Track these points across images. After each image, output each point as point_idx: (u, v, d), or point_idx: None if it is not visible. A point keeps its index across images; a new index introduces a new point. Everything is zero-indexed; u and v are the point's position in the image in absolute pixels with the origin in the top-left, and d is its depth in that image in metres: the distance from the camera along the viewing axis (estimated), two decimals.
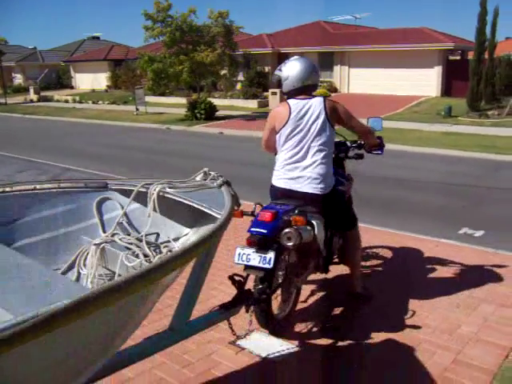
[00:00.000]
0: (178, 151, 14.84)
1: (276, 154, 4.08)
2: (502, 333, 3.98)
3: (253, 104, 28.08)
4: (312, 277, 4.46)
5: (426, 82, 28.07)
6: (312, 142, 3.82)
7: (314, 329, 4.08)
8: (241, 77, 32.10)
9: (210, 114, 23.12)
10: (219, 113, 24.02)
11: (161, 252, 2.97)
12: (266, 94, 29.07)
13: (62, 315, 1.54)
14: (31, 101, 38.77)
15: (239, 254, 3.51)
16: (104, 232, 3.14)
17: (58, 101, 37.75)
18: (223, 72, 25.05)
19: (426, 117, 21.62)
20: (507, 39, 44.80)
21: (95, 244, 2.96)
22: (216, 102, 25.49)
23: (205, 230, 2.66)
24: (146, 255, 2.87)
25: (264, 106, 27.49)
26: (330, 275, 4.73)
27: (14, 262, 2.28)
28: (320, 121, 3.80)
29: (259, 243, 3.43)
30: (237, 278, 3.42)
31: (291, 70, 3.92)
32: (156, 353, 2.88)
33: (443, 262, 5.54)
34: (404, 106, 25.08)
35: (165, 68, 22.65)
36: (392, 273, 5.25)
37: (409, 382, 3.43)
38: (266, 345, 3.82)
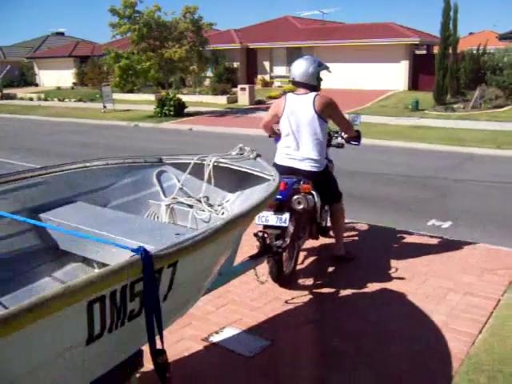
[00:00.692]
0: (147, 148, 14.68)
1: (270, 135, 5.10)
2: (468, 320, 4.08)
3: (222, 100, 27.99)
4: (305, 245, 5.22)
5: (393, 76, 28.47)
6: (304, 130, 4.56)
7: (309, 282, 4.79)
8: (209, 73, 31.96)
9: (179, 110, 22.94)
10: (188, 109, 23.86)
11: (216, 210, 3.68)
12: (235, 89, 29.01)
13: (212, 234, 2.25)
14: None
15: (259, 217, 4.23)
16: (165, 197, 3.84)
17: (22, 99, 36.83)
18: (192, 68, 24.87)
19: (394, 110, 21.93)
20: (471, 34, 45.79)
21: (166, 204, 3.71)
22: (185, 98, 25.30)
23: (254, 190, 3.60)
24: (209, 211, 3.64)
25: (233, 102, 27.44)
26: (316, 244, 5.64)
27: (120, 216, 3.11)
28: (309, 114, 4.50)
29: (276, 207, 4.26)
30: (260, 234, 4.21)
31: (293, 66, 4.73)
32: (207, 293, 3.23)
33: (412, 254, 5.63)
34: (372, 100, 25.38)
35: (132, 65, 22.36)
36: (361, 264, 5.32)
37: (383, 372, 3.49)
38: (238, 340, 3.83)
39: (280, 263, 4.47)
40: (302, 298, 4.56)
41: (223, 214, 3.61)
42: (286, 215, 4.26)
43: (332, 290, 4.71)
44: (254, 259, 4.10)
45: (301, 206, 4.34)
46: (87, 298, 1.73)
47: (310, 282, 4.91)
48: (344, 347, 3.75)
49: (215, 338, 3.85)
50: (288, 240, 4.39)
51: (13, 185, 3.12)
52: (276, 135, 5.03)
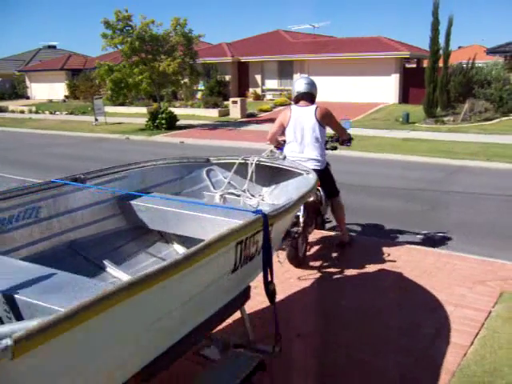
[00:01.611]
0: (137, 161, 14.65)
1: (275, 146, 5.52)
2: (459, 332, 4.08)
3: (214, 113, 28.07)
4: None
5: (384, 89, 28.71)
6: (307, 135, 5.37)
7: (299, 294, 4.85)
8: (201, 86, 32.06)
9: (171, 123, 22.96)
10: (180, 122, 23.89)
11: (261, 198, 4.58)
12: (226, 102, 29.12)
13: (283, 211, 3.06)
14: None
15: None
16: (214, 189, 4.69)
17: (13, 111, 36.73)
18: (184, 81, 24.94)
19: (385, 123, 22.08)
20: (460, 48, 46.39)
21: (220, 194, 4.58)
22: (177, 111, 25.35)
23: (288, 183, 4.52)
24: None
25: (225, 115, 27.52)
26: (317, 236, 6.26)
27: (191, 206, 3.73)
28: (311, 122, 5.36)
29: None
30: None
31: (295, 83, 5.63)
32: None
33: (403, 266, 5.64)
34: (363, 113, 25.55)
35: (124, 77, 22.39)
36: (352, 276, 5.31)
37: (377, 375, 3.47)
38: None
39: (296, 247, 5.25)
40: (292, 310, 4.54)
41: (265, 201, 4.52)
42: (301, 206, 4.67)
43: (322, 302, 4.70)
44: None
45: (312, 198, 5.07)
46: (236, 240, 2.56)
47: (300, 294, 4.90)
48: (335, 359, 3.73)
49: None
50: (301, 227, 5.04)
51: (104, 178, 4.05)
52: (280, 145, 5.69)
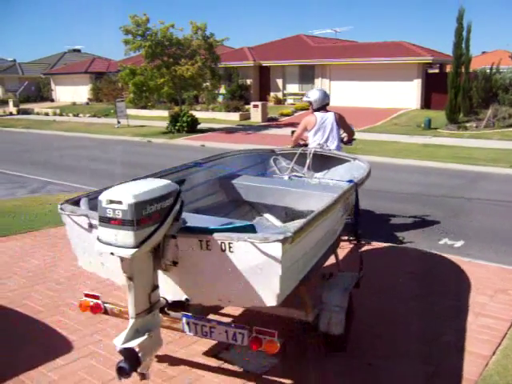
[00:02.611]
0: (158, 164, 14.73)
1: (294, 145, 6.67)
2: (481, 341, 4.03)
3: (235, 117, 28.17)
4: None
5: (405, 94, 28.48)
6: (329, 134, 6.55)
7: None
8: (223, 90, 32.22)
9: (192, 126, 23.11)
10: (201, 126, 24.03)
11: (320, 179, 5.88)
12: (247, 106, 29.21)
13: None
14: (10, 113, 38.33)
15: None
16: (280, 173, 6.23)
17: (38, 114, 37.42)
18: (205, 85, 25.09)
19: (406, 129, 21.91)
20: (484, 53, 45.80)
21: (288, 177, 5.98)
22: (198, 114, 25.51)
23: (337, 168, 6.00)
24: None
25: (246, 119, 27.59)
26: None
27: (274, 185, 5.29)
28: (333, 124, 6.59)
29: None
30: None
31: (314, 96, 6.64)
32: None
33: (424, 273, 5.60)
34: (384, 118, 25.40)
35: (146, 81, 22.62)
36: (374, 284, 5.28)
37: None
38: (247, 357, 3.81)
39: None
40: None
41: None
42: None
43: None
44: None
45: None
46: (344, 198, 4.07)
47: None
48: (354, 365, 3.71)
49: (225, 355, 3.84)
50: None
51: (210, 163, 5.40)
52: (299, 145, 6.74)
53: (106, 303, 3.67)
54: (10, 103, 40.15)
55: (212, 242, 2.91)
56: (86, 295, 3.67)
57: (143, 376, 2.98)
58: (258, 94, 33.95)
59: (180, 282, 3.18)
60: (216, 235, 2.89)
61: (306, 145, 6.61)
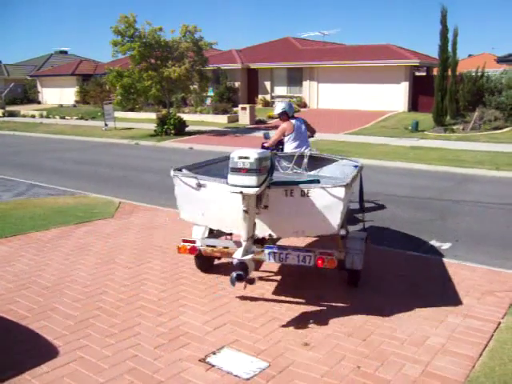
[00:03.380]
0: (146, 167, 14.73)
1: (270, 147, 7.63)
2: (468, 343, 4.04)
3: (223, 119, 28.14)
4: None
5: (393, 97, 28.66)
6: (304, 137, 7.71)
7: (309, 304, 4.12)
8: (211, 92, 32.18)
9: (180, 129, 23.05)
10: (189, 128, 23.97)
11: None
12: (235, 109, 29.19)
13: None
14: None
15: None
16: (283, 171, 6.87)
17: (24, 116, 37.09)
18: (193, 87, 25.04)
19: (394, 131, 22.03)
20: (470, 56, 46.21)
21: (288, 173, 6.71)
22: (186, 117, 25.45)
23: (329, 167, 6.74)
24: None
25: (234, 121, 27.58)
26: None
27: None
28: (304, 129, 7.79)
29: None
30: None
31: (287, 106, 7.76)
32: None
33: (411, 275, 5.61)
34: (372, 120, 25.51)
35: (133, 83, 22.51)
36: (359, 284, 5.28)
37: None
38: (236, 362, 3.79)
39: None
40: (300, 319, 4.53)
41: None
42: None
43: (330, 312, 4.69)
44: None
45: None
46: (358, 174, 5.71)
47: (308, 303, 4.88)
48: (341, 369, 3.71)
49: (212, 360, 3.82)
50: None
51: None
52: (274, 147, 7.80)
53: (201, 246, 5.03)
54: None
55: (295, 190, 4.39)
56: (184, 241, 5.09)
57: (252, 281, 4.43)
58: (246, 97, 33.96)
59: (267, 222, 4.52)
60: (299, 185, 4.42)
61: (282, 144, 7.81)
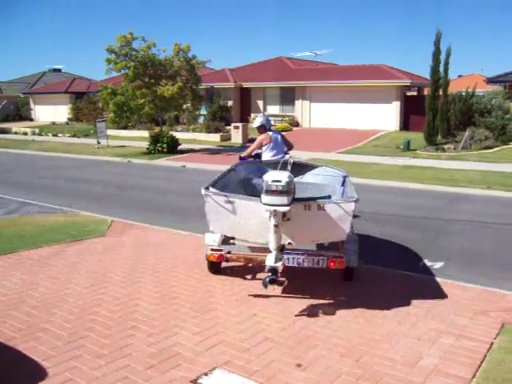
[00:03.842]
0: (139, 185, 14.70)
1: (246, 158, 8.18)
2: (462, 364, 4.02)
3: (215, 138, 28.22)
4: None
5: (384, 116, 28.94)
6: (280, 148, 8.04)
7: (301, 323, 4.03)
8: (204, 111, 32.30)
9: (173, 147, 23.07)
10: (182, 146, 23.99)
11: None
12: (228, 127, 29.30)
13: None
14: None
15: None
16: None
17: (16, 133, 37.00)
18: (186, 106, 25.13)
19: (386, 150, 22.17)
20: (460, 77, 46.86)
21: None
22: (179, 135, 25.49)
23: (308, 174, 7.59)
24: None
25: (226, 140, 27.66)
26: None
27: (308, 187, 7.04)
28: (280, 139, 8.11)
29: None
30: None
31: (264, 120, 8.20)
32: None
33: (403, 294, 5.60)
34: (364, 139, 25.68)
35: (127, 101, 22.58)
36: (352, 304, 5.26)
37: None
38: (228, 383, 3.74)
39: None
40: (292, 339, 4.49)
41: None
42: None
43: (322, 332, 4.66)
44: None
45: None
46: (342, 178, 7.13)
47: (302, 323, 4.85)
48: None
49: (204, 381, 3.77)
50: None
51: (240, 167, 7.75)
52: (251, 157, 8.17)
53: (228, 253, 5.83)
54: None
55: (313, 205, 5.08)
56: (213, 249, 5.84)
57: (282, 283, 5.15)
58: (239, 115, 34.13)
59: (288, 232, 5.13)
60: (316, 201, 5.16)
61: (258, 156, 8.21)
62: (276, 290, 5.71)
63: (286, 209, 4.77)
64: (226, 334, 4.56)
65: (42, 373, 3.86)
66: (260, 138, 8.05)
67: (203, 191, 5.40)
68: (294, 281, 5.99)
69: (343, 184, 6.80)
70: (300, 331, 4.66)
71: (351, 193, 5.79)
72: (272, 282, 4.93)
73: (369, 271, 6.49)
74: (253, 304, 5.30)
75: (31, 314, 4.98)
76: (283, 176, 4.86)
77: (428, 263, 7.10)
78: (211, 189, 5.63)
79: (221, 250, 5.80)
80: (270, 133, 8.12)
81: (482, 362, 4.05)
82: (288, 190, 4.78)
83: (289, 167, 7.04)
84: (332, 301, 5.42)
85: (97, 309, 5.14)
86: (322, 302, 5.41)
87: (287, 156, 7.78)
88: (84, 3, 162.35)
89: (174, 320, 4.87)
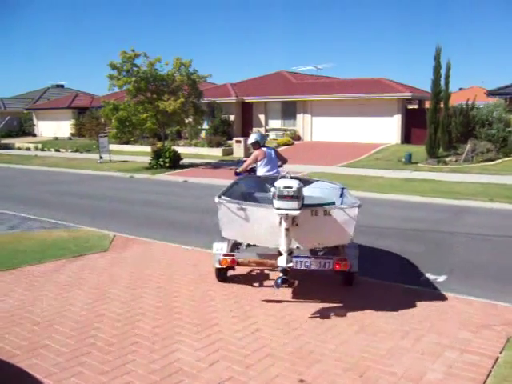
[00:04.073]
0: (141, 200, 14.72)
1: (242, 173, 8.50)
2: (467, 379, 3.99)
3: (217, 152, 28.31)
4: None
5: (386, 129, 29.01)
6: (274, 163, 8.43)
7: (304, 338, 4.00)
8: (206, 125, 32.44)
9: (175, 162, 23.14)
10: (184, 161, 24.08)
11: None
12: (230, 142, 29.40)
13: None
14: None
15: None
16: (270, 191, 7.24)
17: (19, 148, 37.20)
18: (188, 120, 25.26)
19: (387, 163, 22.20)
20: (461, 89, 47.03)
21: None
22: (181, 150, 25.59)
23: (310, 186, 7.86)
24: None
25: (228, 154, 27.74)
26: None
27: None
28: (274, 155, 8.52)
29: None
30: None
31: (258, 137, 8.61)
32: None
33: (406, 309, 5.57)
34: (366, 153, 25.72)
35: (129, 116, 22.71)
36: (354, 319, 5.24)
37: None
38: None
39: None
40: (295, 354, 4.46)
41: None
42: None
43: (325, 346, 4.63)
44: None
45: None
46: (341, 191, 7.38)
47: (305, 338, 4.82)
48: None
49: None
50: None
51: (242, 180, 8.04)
52: (246, 172, 8.51)
53: (240, 259, 6.05)
54: None
55: (319, 211, 5.43)
56: (225, 255, 6.11)
57: (293, 284, 5.39)
58: (241, 130, 34.25)
59: (296, 236, 5.41)
60: (322, 207, 5.50)
61: (253, 170, 8.56)
62: (278, 305, 5.69)
63: (297, 213, 5.15)
64: (228, 350, 4.53)
65: None
66: (255, 153, 8.50)
67: (217, 199, 5.72)
68: (297, 296, 5.97)
69: (341, 195, 7.04)
70: (303, 346, 4.63)
71: (352, 200, 6.10)
72: (284, 282, 5.23)
73: (371, 285, 6.46)
74: (255, 319, 5.27)
75: (33, 331, 4.96)
76: (294, 183, 5.30)
77: (431, 277, 7.07)
78: (223, 197, 5.91)
79: (233, 255, 6.10)
80: (264, 149, 8.53)
81: (487, 378, 4.02)
82: (298, 196, 5.18)
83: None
84: (335, 316, 5.39)
85: (99, 325, 5.12)
86: (325, 317, 5.38)
87: (284, 171, 8.03)
88: (86, 19, 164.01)
89: (177, 335, 4.84)
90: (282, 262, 5.29)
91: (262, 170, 8.43)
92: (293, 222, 5.29)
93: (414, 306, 5.67)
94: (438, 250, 8.63)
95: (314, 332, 4.95)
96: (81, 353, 4.47)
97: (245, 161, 8.81)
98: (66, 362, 4.28)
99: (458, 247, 8.83)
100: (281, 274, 5.28)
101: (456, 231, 10.01)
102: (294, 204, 5.14)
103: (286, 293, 6.07)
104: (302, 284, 5.88)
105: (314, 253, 6.59)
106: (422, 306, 5.68)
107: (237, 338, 4.80)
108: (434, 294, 6.16)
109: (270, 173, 8.33)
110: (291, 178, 7.11)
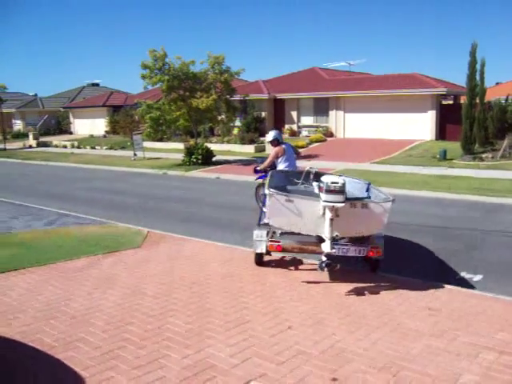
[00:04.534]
0: (174, 196, 14.87)
1: (263, 170, 9.21)
2: (505, 382, 3.89)
3: (250, 149, 28.36)
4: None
5: (420, 125, 28.49)
6: (292, 158, 9.09)
7: (335, 337, 3.99)
8: (238, 122, 32.54)
9: (207, 159, 23.30)
10: (216, 158, 24.21)
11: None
12: (262, 138, 29.41)
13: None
14: (30, 146, 39.12)
15: None
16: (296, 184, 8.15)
17: (56, 146, 38.10)
18: (220, 117, 25.38)
19: (421, 160, 21.83)
20: (498, 84, 45.80)
21: (304, 186, 8.00)
22: (213, 147, 25.74)
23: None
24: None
25: (261, 151, 27.75)
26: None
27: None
28: (292, 151, 9.22)
29: None
30: None
31: (277, 134, 9.25)
32: None
33: (441, 308, 5.47)
34: (399, 149, 25.35)
35: (163, 115, 22.99)
36: (389, 318, 5.18)
37: None
38: None
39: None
40: (328, 353, 4.44)
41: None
42: None
43: (358, 345, 4.59)
44: None
45: None
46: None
47: (337, 336, 4.79)
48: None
49: None
50: None
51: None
52: (268, 168, 8.95)
53: (285, 244, 6.65)
54: (30, 136, 41.07)
55: (357, 204, 6.05)
56: (271, 241, 6.70)
57: (335, 267, 6.54)
58: (273, 126, 34.21)
59: (336, 226, 5.94)
60: (361, 201, 6.23)
61: (271, 167, 9.01)
62: (309, 302, 5.68)
63: (342, 205, 5.78)
64: (260, 347, 4.54)
65: (80, 382, 3.92)
66: (275, 150, 9.08)
67: (267, 191, 6.34)
68: (329, 294, 5.94)
69: (367, 190, 7.38)
70: (335, 345, 4.60)
71: (382, 195, 6.63)
72: (328, 265, 5.91)
73: (405, 282, 6.37)
74: (287, 317, 5.27)
75: (69, 324, 5.08)
76: (340, 179, 6.01)
77: (466, 275, 6.93)
78: (271, 190, 6.39)
79: (279, 242, 6.67)
80: (283, 145, 9.11)
81: None
82: (343, 190, 5.83)
83: (311, 176, 8.06)
84: (368, 314, 5.34)
85: (133, 320, 5.21)
86: (356, 315, 5.33)
87: (308, 167, 8.52)
88: (120, 20, 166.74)
89: (209, 332, 4.88)
90: (326, 247, 5.94)
91: (282, 166, 8.97)
92: (335, 212, 5.85)
93: (448, 305, 5.57)
94: (474, 248, 8.45)
95: (346, 330, 4.92)
96: (116, 347, 4.55)
97: (264, 159, 9.35)
98: (101, 356, 4.37)
99: (494, 246, 8.63)
100: (324, 259, 5.91)
101: (492, 229, 9.77)
102: (340, 197, 5.78)
103: (318, 290, 6.04)
104: (332, 282, 5.84)
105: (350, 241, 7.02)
106: (457, 305, 5.57)
107: (269, 335, 4.81)
108: (469, 293, 6.03)
109: (291, 168, 8.94)
110: (316, 172, 7.96)
